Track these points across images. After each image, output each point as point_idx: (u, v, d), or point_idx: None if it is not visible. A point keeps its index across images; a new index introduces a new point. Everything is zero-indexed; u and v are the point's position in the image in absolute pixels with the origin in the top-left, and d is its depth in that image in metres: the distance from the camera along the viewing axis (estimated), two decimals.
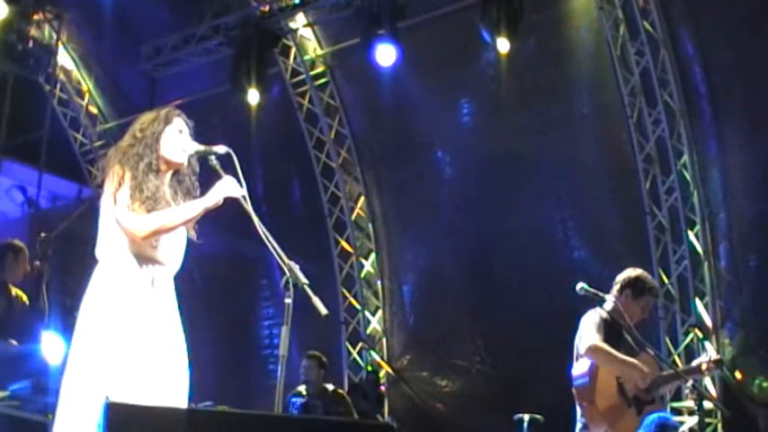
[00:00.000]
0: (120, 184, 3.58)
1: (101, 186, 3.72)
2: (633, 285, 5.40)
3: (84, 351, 3.47)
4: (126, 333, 3.47)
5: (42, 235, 6.29)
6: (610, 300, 5.40)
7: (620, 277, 5.47)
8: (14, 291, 6.36)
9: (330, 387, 8.25)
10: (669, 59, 8.98)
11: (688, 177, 9.05)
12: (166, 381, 3.53)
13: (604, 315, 5.31)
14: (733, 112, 8.87)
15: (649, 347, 5.39)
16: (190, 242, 3.83)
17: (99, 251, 3.64)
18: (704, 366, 5.37)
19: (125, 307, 3.50)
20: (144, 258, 3.59)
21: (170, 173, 3.79)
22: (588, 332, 5.23)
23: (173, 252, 3.71)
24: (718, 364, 5.36)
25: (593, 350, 5.16)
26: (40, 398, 5.60)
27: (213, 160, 3.74)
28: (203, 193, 3.75)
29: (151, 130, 3.73)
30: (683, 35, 9.01)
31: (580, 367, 5.26)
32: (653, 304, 5.49)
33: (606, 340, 5.20)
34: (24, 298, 6.36)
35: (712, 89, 8.92)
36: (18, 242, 6.49)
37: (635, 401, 5.25)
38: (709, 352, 5.41)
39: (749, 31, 8.62)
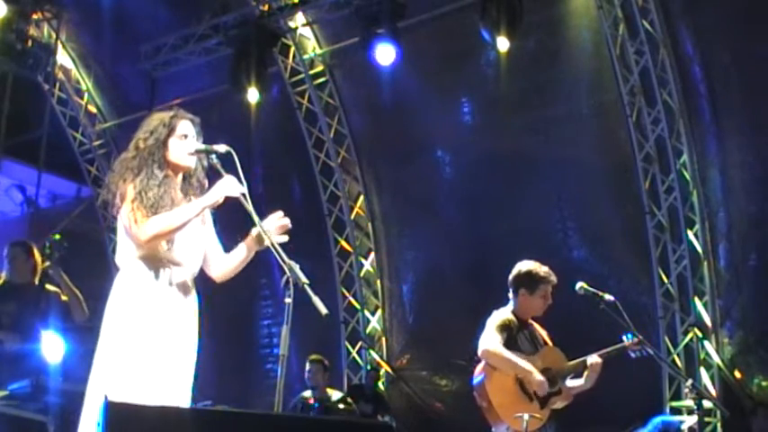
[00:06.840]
0: (123, 199, 3.64)
1: (105, 192, 3.75)
2: (525, 281, 5.39)
3: (105, 356, 3.55)
4: (142, 338, 3.54)
5: (57, 236, 6.25)
6: (511, 300, 5.42)
7: (511, 277, 5.45)
8: None
9: (335, 395, 8.21)
10: (668, 59, 8.98)
11: (687, 177, 9.06)
12: (172, 381, 3.60)
13: (507, 315, 5.35)
14: (733, 111, 8.86)
15: (648, 346, 5.36)
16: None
17: (118, 259, 3.72)
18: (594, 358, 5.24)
19: (143, 312, 3.57)
20: (158, 261, 3.65)
21: (180, 177, 3.81)
22: (487, 334, 5.27)
23: (189, 252, 3.74)
24: (639, 344, 5.25)
25: (487, 354, 5.22)
26: (40, 397, 5.59)
27: (214, 159, 3.74)
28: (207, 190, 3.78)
29: (155, 137, 3.75)
30: (683, 34, 9.01)
31: (477, 368, 5.30)
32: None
33: (508, 340, 5.22)
34: None
35: (712, 89, 8.92)
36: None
37: (538, 395, 5.20)
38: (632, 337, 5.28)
39: (748, 30, 8.61)
